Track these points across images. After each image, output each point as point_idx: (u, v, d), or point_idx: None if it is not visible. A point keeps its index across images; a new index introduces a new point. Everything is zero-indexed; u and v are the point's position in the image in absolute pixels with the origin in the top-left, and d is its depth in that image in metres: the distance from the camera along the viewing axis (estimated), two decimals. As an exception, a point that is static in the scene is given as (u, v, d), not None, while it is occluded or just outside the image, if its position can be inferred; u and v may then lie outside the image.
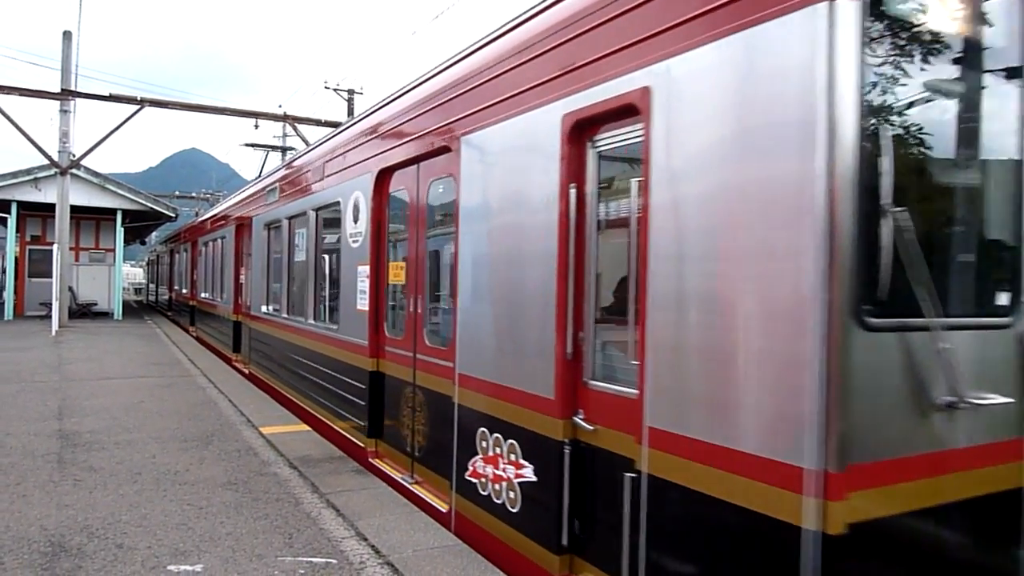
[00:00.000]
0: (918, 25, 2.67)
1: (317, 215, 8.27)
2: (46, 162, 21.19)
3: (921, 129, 2.73)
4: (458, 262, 4.76)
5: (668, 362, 2.98)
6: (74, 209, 21.88)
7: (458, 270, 4.76)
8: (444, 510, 4.95)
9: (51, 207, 21.30)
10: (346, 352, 6.89)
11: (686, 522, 2.93)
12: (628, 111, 3.29)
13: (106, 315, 25.59)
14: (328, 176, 7.72)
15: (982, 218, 3.00)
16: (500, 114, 4.30)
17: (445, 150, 5.04)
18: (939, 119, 2.83)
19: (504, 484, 4.19)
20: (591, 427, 3.57)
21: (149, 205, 25.09)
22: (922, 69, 2.69)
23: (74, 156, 20.97)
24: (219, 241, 15.36)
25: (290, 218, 9.38)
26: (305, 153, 9.24)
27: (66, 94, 20.47)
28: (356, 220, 6.66)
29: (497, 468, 4.25)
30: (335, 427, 7.28)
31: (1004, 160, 3.01)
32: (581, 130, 3.65)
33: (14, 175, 22.66)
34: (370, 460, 6.29)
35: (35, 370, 11.87)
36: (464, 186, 4.70)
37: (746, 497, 2.61)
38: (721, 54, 2.80)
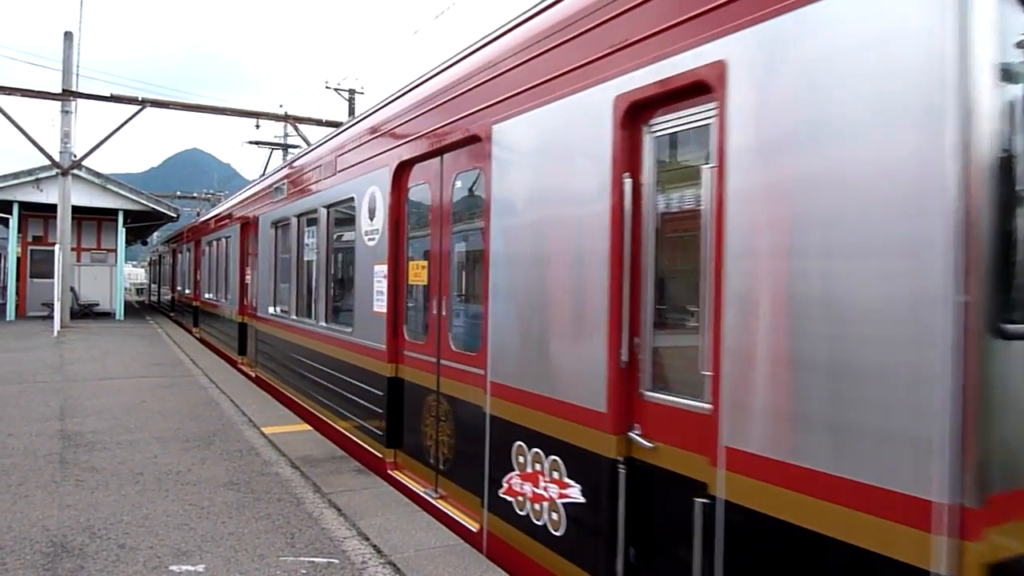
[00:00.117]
0: None
1: (329, 212, 7.90)
2: (48, 163, 21.22)
3: None
4: (488, 261, 4.40)
5: (751, 373, 2.61)
6: (76, 209, 21.90)
7: (489, 269, 4.40)
8: (474, 529, 4.58)
9: (53, 207, 21.31)
10: (362, 356, 6.54)
11: (773, 557, 2.55)
12: (695, 89, 2.92)
13: (108, 315, 25.60)
14: (341, 171, 7.33)
15: None
16: (539, 99, 3.93)
17: (473, 140, 4.69)
18: None
19: (546, 504, 3.80)
20: (650, 444, 3.17)
21: (150, 205, 25.11)
22: None
23: (75, 156, 20.97)
24: (223, 240, 15.02)
25: (299, 216, 9.05)
26: (315, 148, 8.82)
27: (67, 94, 20.49)
28: (372, 217, 6.31)
29: (537, 486, 3.87)
30: (350, 435, 6.93)
31: None
32: (636, 113, 3.27)
33: (16, 176, 22.68)
34: (389, 472, 5.93)
35: (37, 370, 11.88)
36: (496, 178, 4.34)
37: (855, 533, 2.24)
38: (821, 15, 2.41)
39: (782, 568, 2.52)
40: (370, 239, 6.36)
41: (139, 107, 19.87)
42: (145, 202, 24.95)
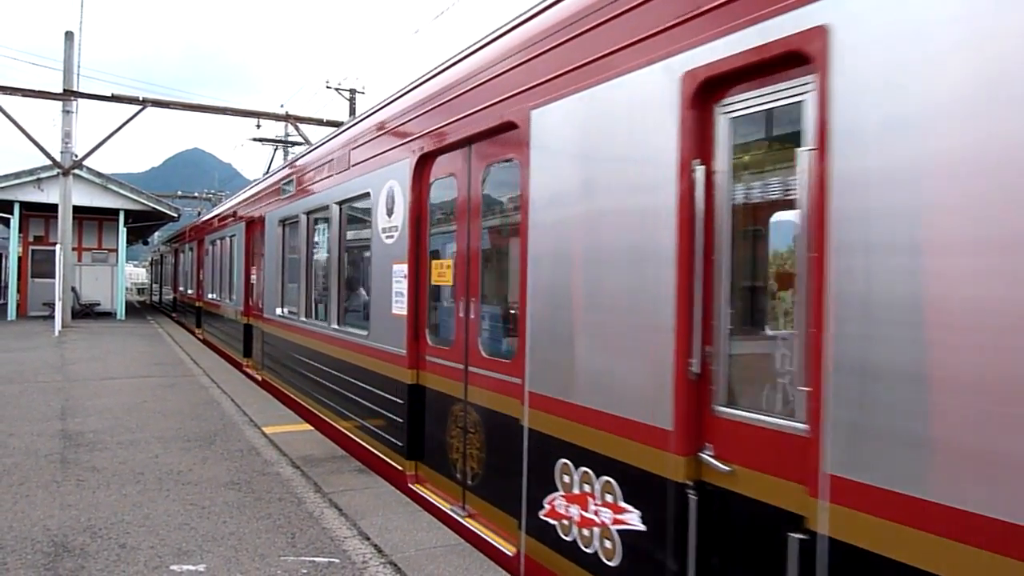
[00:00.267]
0: None
1: (341, 209, 7.48)
2: (49, 162, 21.26)
3: None
4: (526, 259, 3.99)
5: (870, 390, 2.21)
6: (77, 209, 21.93)
7: (526, 269, 3.99)
8: (509, 553, 4.20)
9: (54, 207, 21.33)
10: (379, 362, 6.13)
11: None
12: (786, 61, 2.55)
13: (109, 315, 25.62)
14: (356, 165, 6.92)
15: None
16: (587, 79, 3.52)
17: (507, 127, 4.29)
18: None
19: (596, 530, 3.41)
20: (726, 467, 2.78)
21: (151, 205, 25.13)
22: None
23: (76, 156, 20.99)
24: (228, 239, 14.64)
25: (308, 213, 8.66)
26: (326, 141, 8.31)
27: (68, 94, 20.50)
28: (390, 213, 5.91)
29: (586, 510, 3.48)
30: (365, 445, 6.51)
31: None
32: (707, 92, 2.89)
33: (17, 175, 22.71)
34: (409, 485, 5.52)
35: (38, 370, 11.89)
36: (535, 168, 3.93)
37: None
38: None
39: None
40: (388, 236, 5.98)
41: (140, 107, 19.88)
42: (146, 202, 24.97)
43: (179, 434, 7.43)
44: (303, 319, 8.75)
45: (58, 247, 19.80)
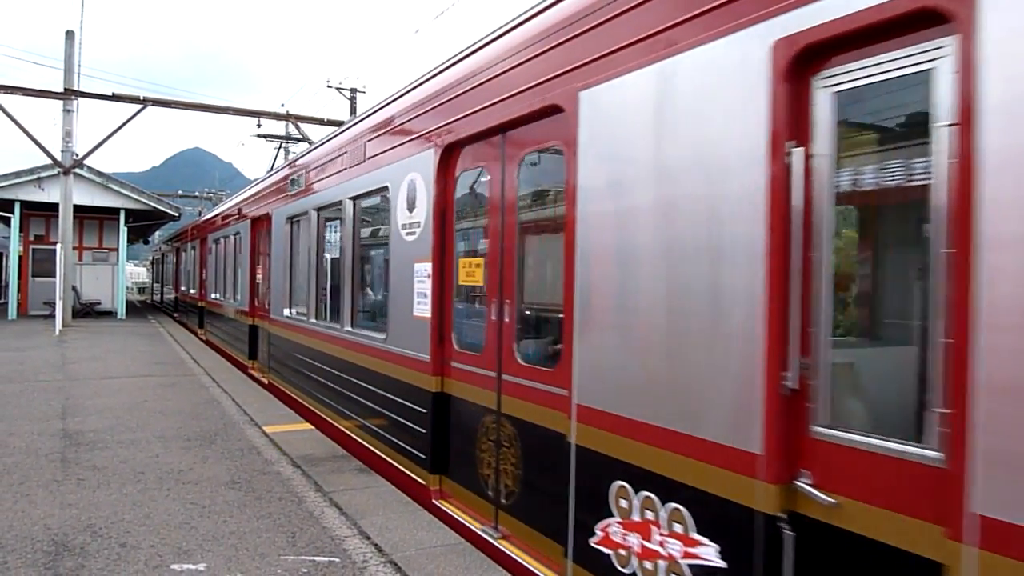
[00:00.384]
0: None
1: (355, 204, 7.08)
2: (49, 162, 21.29)
3: None
4: (574, 257, 3.60)
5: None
6: (77, 208, 21.95)
7: (574, 267, 3.59)
8: None
9: (54, 207, 21.35)
10: (398, 367, 5.75)
11: None
12: (913, 22, 2.20)
13: (110, 314, 25.63)
14: (372, 157, 6.51)
15: None
16: (649, 54, 3.14)
17: (551, 112, 3.91)
18: None
19: (662, 564, 3.02)
20: (829, 499, 2.40)
21: (152, 204, 25.16)
22: None
23: (77, 156, 21.01)
24: (232, 238, 14.18)
25: (319, 209, 8.25)
26: (339, 134, 7.89)
27: (69, 94, 20.52)
28: (412, 208, 5.52)
29: (649, 540, 3.11)
30: (384, 456, 6.08)
31: None
32: (806, 62, 2.52)
33: (17, 175, 22.72)
34: (434, 501, 5.13)
35: (39, 369, 11.89)
36: (584, 156, 3.55)
37: None
38: None
39: None
40: (409, 233, 5.57)
41: (140, 106, 19.90)
42: (147, 201, 24.99)
43: (180, 433, 7.44)
44: (313, 321, 8.38)
45: (59, 246, 19.81)
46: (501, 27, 4.54)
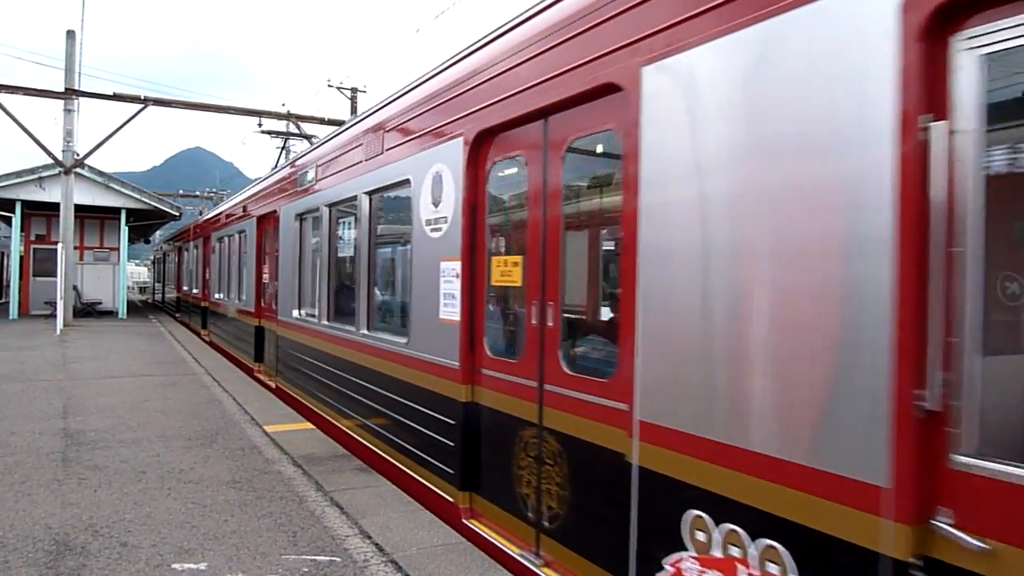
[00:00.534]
0: None
1: (371, 200, 6.69)
2: (50, 161, 21.31)
3: None
4: (635, 253, 3.18)
5: None
6: (78, 208, 21.96)
7: (636, 265, 3.18)
8: None
9: (55, 206, 21.36)
10: (422, 374, 5.36)
11: None
12: None
13: (111, 314, 25.64)
14: (391, 148, 6.10)
15: None
16: (738, 18, 2.73)
17: (606, 91, 3.49)
18: None
19: None
20: (979, 543, 2.01)
21: (153, 204, 25.16)
22: None
23: (78, 155, 21.03)
24: (237, 236, 13.75)
25: (331, 205, 7.84)
26: (353, 125, 7.46)
27: (70, 93, 20.53)
28: (437, 202, 5.15)
29: None
30: (406, 470, 5.65)
31: None
32: (943, 19, 2.13)
33: (18, 174, 22.72)
34: (464, 521, 4.73)
35: (40, 369, 11.90)
36: (649, 140, 3.15)
37: None
38: None
39: None
40: (434, 229, 5.19)
41: (141, 106, 19.92)
42: (148, 201, 24.99)
43: (180, 433, 7.44)
44: (325, 323, 7.96)
45: (60, 246, 19.82)
46: (543, 2, 4.14)
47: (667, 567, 2.99)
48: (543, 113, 4.06)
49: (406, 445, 5.66)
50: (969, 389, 2.08)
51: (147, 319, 25.22)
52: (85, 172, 22.68)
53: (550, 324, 3.99)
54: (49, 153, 20.80)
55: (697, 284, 2.89)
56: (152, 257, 51.59)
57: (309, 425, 7.98)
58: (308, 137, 23.03)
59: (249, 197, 13.30)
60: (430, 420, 5.22)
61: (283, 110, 22.76)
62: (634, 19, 3.26)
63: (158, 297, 39.42)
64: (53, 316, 20.67)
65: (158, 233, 39.61)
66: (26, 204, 23.37)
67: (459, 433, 4.80)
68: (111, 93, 19.98)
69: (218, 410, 8.72)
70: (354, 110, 29.60)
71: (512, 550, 4.21)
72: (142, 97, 20.01)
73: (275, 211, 10.57)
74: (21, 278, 24.95)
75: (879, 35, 2.24)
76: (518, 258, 4.36)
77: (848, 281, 2.31)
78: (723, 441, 2.75)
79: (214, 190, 54.29)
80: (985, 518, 2.03)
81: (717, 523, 2.78)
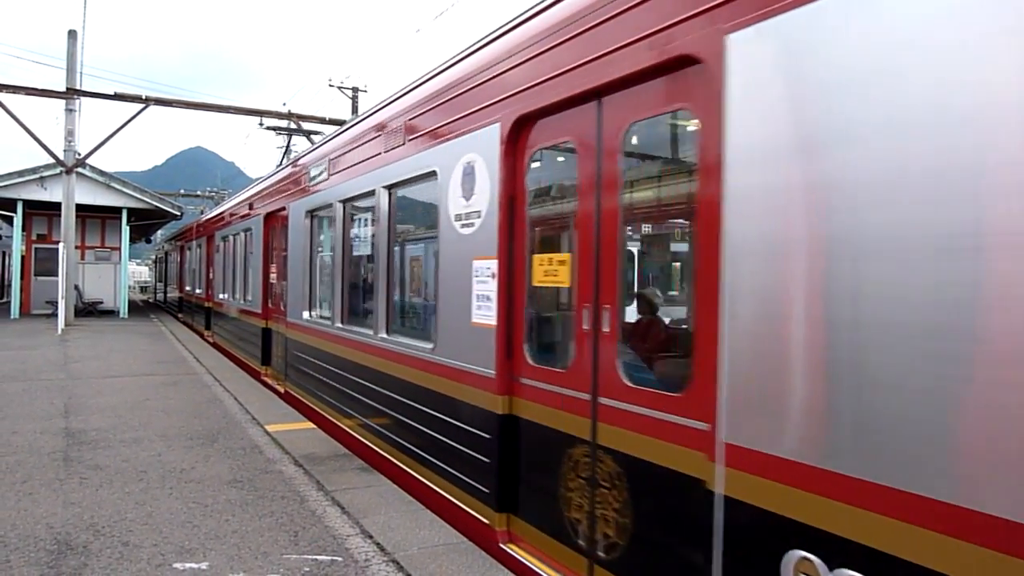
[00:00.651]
0: None
1: (391, 194, 6.23)
2: (52, 161, 21.33)
3: None
4: (718, 248, 2.76)
5: None
6: (79, 208, 21.99)
7: (721, 262, 2.75)
8: None
9: (57, 206, 21.38)
10: (451, 383, 4.95)
11: None
12: None
13: (112, 313, 25.65)
14: (414, 138, 5.65)
15: None
16: None
17: (679, 64, 3.07)
18: None
19: None
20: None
21: (154, 203, 25.18)
22: None
23: (79, 155, 21.06)
24: (243, 235, 13.26)
25: (345, 201, 7.39)
26: (369, 115, 6.97)
27: (71, 93, 20.55)
28: (468, 196, 4.74)
29: None
30: (435, 487, 5.20)
31: None
32: None
33: (20, 174, 22.73)
34: (501, 545, 4.31)
35: (41, 368, 11.91)
36: (739, 118, 2.71)
37: None
38: None
39: None
40: (465, 226, 4.79)
41: (143, 105, 19.93)
42: (149, 200, 25.02)
43: (182, 432, 7.44)
44: (338, 325, 7.50)
45: (61, 245, 19.83)
46: None
47: None
48: (597, 93, 3.64)
49: (434, 460, 5.26)
50: None
51: (148, 319, 25.23)
52: (86, 172, 22.70)
53: (606, 329, 3.58)
54: (51, 153, 20.82)
55: (796, 284, 2.47)
56: (153, 256, 51.60)
57: (310, 425, 7.98)
58: (309, 137, 23.00)
59: (255, 194, 12.83)
60: (460, 433, 4.83)
61: (284, 109, 22.77)
62: None
63: (160, 297, 39.41)
64: (54, 315, 20.70)
65: (159, 233, 39.63)
66: (28, 204, 23.39)
67: (495, 448, 4.39)
68: (112, 93, 20.00)
69: (219, 409, 8.72)
70: (355, 110, 29.59)
71: None
72: (143, 97, 20.02)
73: (284, 208, 10.04)
74: (23, 277, 24.97)
75: None
76: (565, 256, 3.96)
77: (1012, 283, 1.91)
78: (843, 472, 2.33)
79: (215, 190, 54.37)
80: None
81: (831, 567, 2.36)
